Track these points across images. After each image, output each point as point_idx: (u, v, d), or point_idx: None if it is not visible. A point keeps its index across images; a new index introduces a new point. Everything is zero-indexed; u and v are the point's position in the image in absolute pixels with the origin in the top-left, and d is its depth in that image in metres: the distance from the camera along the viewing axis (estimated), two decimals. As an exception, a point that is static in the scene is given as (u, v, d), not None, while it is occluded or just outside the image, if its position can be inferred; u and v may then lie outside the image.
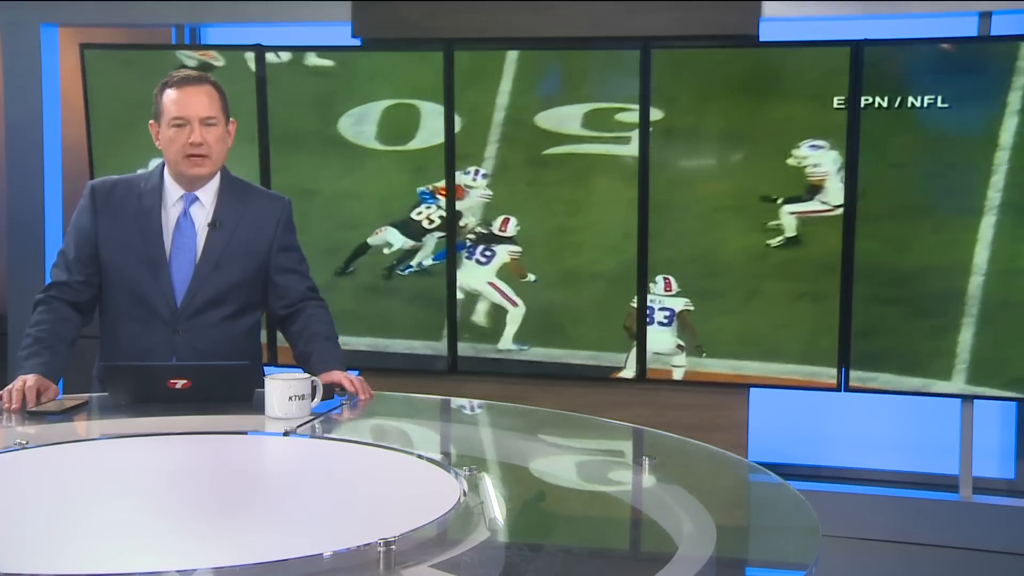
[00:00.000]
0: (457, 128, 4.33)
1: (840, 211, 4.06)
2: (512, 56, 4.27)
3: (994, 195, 3.96)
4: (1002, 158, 3.95)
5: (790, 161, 4.08)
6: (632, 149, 4.19)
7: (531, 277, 4.33)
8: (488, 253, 4.33)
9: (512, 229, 4.32)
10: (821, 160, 4.06)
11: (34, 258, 4.90)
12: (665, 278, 4.23)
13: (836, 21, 4.27)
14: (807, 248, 4.11)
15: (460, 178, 4.33)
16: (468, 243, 4.35)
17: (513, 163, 4.33)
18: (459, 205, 4.34)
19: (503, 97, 4.32)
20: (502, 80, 4.29)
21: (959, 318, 4.04)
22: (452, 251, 4.37)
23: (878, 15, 4.19)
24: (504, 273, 4.36)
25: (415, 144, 4.39)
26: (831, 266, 4.08)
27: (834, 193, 4.07)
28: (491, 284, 4.33)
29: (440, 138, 4.33)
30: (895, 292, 4.07)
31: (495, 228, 4.33)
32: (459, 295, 4.38)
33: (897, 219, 4.04)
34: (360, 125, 4.41)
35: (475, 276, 4.37)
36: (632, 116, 4.18)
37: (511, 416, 2.74)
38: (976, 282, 4.01)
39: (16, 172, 4.94)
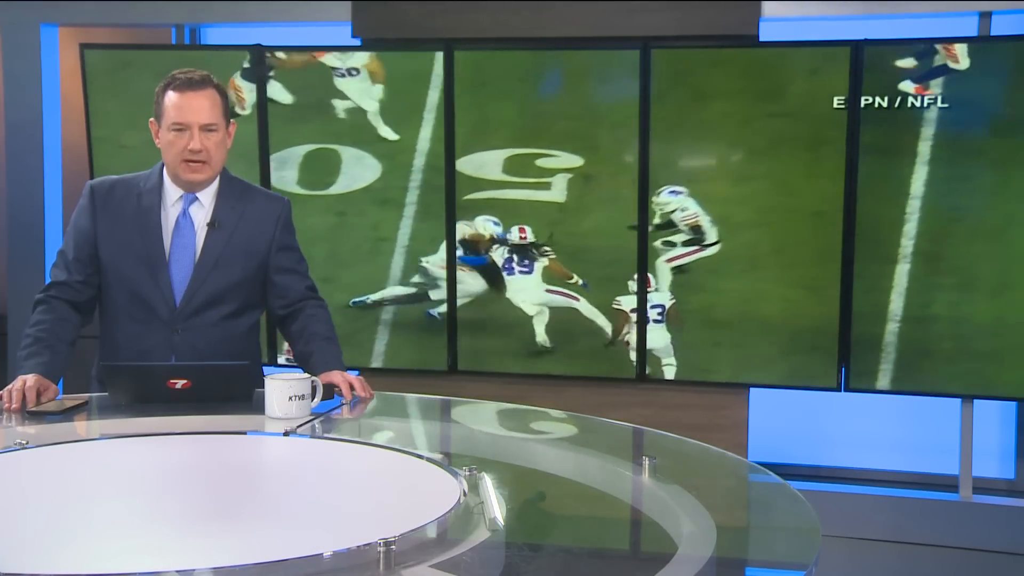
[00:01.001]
0: (377, 173, 4.38)
1: (716, 248, 4.15)
2: (432, 100, 4.30)
3: (907, 243, 4.04)
4: (914, 207, 4.01)
5: (654, 218, 4.19)
6: (554, 195, 4.26)
7: (577, 279, 4.34)
8: (526, 263, 4.33)
9: (531, 235, 4.32)
10: (684, 204, 4.17)
11: (34, 258, 4.90)
12: (647, 276, 4.23)
13: (836, 21, 4.27)
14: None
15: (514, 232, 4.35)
16: (505, 260, 4.35)
17: (434, 208, 4.37)
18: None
19: (423, 143, 4.37)
20: (422, 126, 4.34)
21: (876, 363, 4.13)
22: (452, 254, 4.37)
23: (878, 15, 4.19)
24: (549, 278, 4.35)
25: (337, 189, 4.42)
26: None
27: (709, 233, 4.17)
28: (549, 291, 4.32)
29: (362, 183, 4.38)
30: (816, 340, 4.13)
31: (513, 239, 4.33)
32: (531, 311, 4.36)
33: (812, 266, 4.11)
34: (282, 170, 4.44)
35: (529, 288, 4.35)
36: (552, 162, 4.27)
37: (511, 416, 2.74)
38: (892, 329, 4.07)
39: (16, 172, 4.94)
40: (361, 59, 4.36)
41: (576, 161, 4.25)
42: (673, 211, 4.19)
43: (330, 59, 4.38)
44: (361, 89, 4.36)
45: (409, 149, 4.36)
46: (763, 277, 4.15)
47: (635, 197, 4.20)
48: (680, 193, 4.18)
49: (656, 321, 4.26)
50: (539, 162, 4.29)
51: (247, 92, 4.43)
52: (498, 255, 4.35)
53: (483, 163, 4.32)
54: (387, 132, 4.35)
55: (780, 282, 4.14)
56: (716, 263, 4.19)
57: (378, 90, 4.35)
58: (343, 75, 4.37)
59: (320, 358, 2.77)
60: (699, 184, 4.19)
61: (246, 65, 4.43)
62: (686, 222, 4.19)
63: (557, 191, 4.28)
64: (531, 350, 4.37)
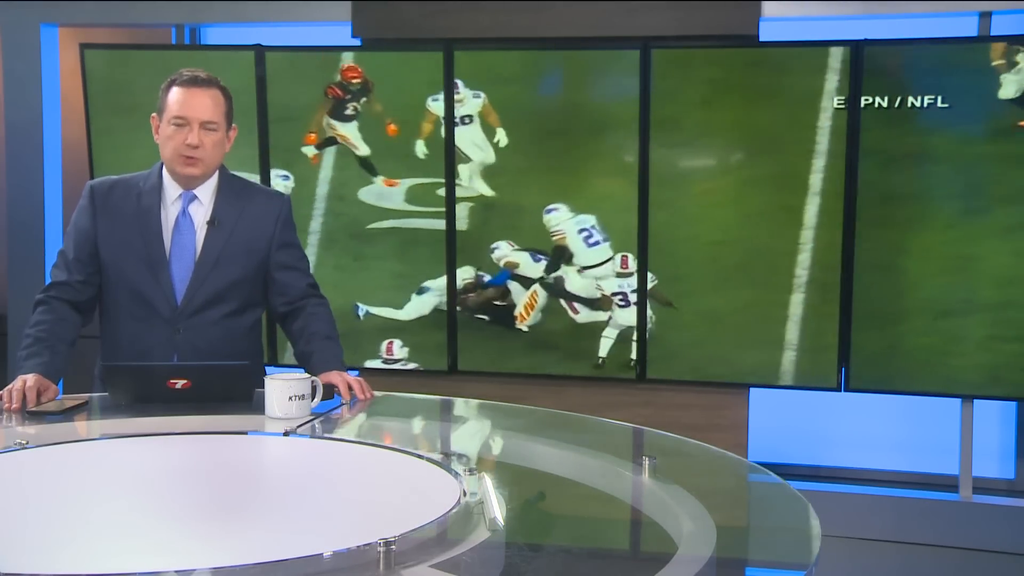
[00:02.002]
0: None
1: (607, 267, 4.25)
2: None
3: (801, 272, 4.10)
4: (807, 236, 4.07)
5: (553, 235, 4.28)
6: (456, 224, 4.32)
7: None
8: (540, 255, 4.34)
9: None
10: (559, 221, 4.24)
11: (34, 258, 4.90)
12: (623, 256, 4.24)
13: (836, 21, 4.27)
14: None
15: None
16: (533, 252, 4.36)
17: (338, 237, 4.41)
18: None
19: (326, 171, 4.41)
20: (324, 156, 4.40)
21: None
22: (452, 252, 4.37)
23: (878, 15, 4.19)
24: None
25: None
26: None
27: (581, 255, 4.25)
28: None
29: None
30: (716, 370, 4.22)
31: (505, 251, 4.35)
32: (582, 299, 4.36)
33: (711, 294, 4.17)
34: None
35: (581, 277, 4.34)
36: (459, 192, 4.32)
37: (511, 416, 2.74)
38: (789, 357, 4.14)
39: (16, 172, 4.94)
40: (475, 105, 4.30)
41: (485, 190, 4.31)
42: (552, 230, 4.28)
43: (442, 105, 4.30)
44: (472, 141, 4.30)
45: (311, 178, 4.43)
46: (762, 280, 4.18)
47: (536, 224, 4.27)
48: (554, 211, 4.25)
49: (638, 304, 4.27)
50: (440, 191, 4.34)
51: (342, 128, 4.39)
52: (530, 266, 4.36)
53: (385, 193, 4.38)
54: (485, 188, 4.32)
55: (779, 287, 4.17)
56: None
57: (489, 146, 4.30)
58: (456, 124, 4.29)
59: (320, 358, 2.78)
60: (693, 185, 4.20)
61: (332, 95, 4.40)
62: (554, 239, 4.26)
63: (459, 220, 4.35)
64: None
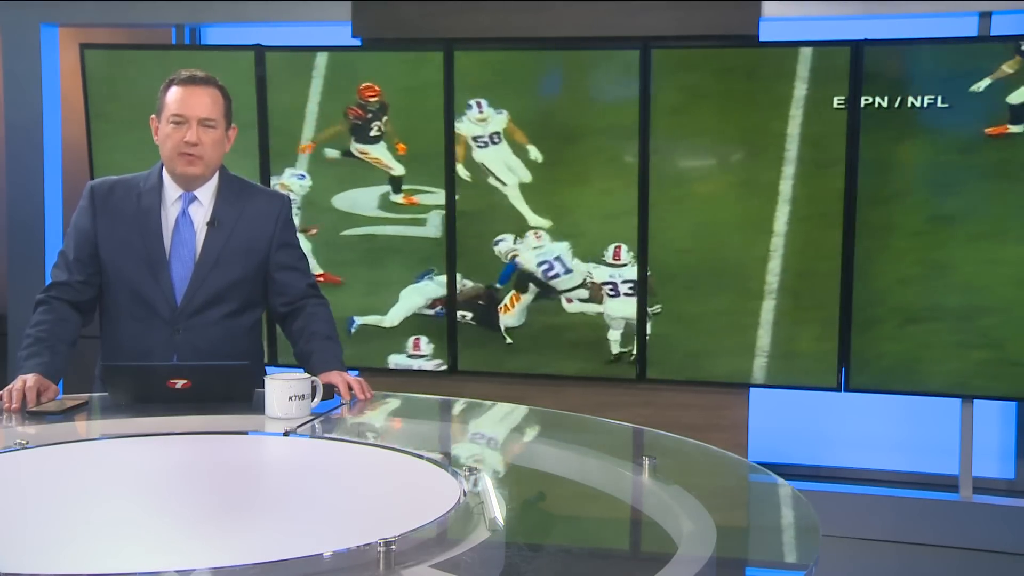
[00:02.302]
0: None
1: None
2: (306, 135, 4.38)
3: (772, 279, 4.11)
4: (777, 244, 4.09)
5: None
6: (428, 230, 4.34)
7: None
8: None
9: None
10: (523, 250, 4.28)
11: (34, 258, 4.90)
12: (616, 247, 4.23)
13: (836, 21, 4.27)
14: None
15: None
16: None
17: (314, 243, 4.42)
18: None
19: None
20: (298, 160, 4.42)
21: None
22: (452, 256, 4.37)
23: (878, 15, 4.19)
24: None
25: None
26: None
27: (542, 284, 4.28)
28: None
29: None
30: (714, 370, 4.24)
31: (508, 245, 4.34)
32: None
33: (685, 301, 4.20)
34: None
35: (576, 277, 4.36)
36: (429, 198, 4.33)
37: (511, 416, 2.74)
38: (760, 364, 4.16)
39: (16, 172, 4.94)
40: (499, 122, 4.27)
41: (526, 215, 4.31)
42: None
43: (468, 125, 4.27)
44: (505, 163, 4.26)
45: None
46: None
47: (513, 231, 4.29)
48: (526, 239, 4.29)
49: (628, 295, 4.26)
50: (414, 198, 4.35)
51: (375, 152, 4.36)
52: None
53: (356, 200, 4.39)
54: (537, 220, 4.29)
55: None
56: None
57: (522, 166, 4.26)
58: (484, 144, 4.26)
59: (320, 358, 2.78)
60: (692, 187, 4.20)
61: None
62: (521, 268, 4.29)
63: (432, 227, 4.35)
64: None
